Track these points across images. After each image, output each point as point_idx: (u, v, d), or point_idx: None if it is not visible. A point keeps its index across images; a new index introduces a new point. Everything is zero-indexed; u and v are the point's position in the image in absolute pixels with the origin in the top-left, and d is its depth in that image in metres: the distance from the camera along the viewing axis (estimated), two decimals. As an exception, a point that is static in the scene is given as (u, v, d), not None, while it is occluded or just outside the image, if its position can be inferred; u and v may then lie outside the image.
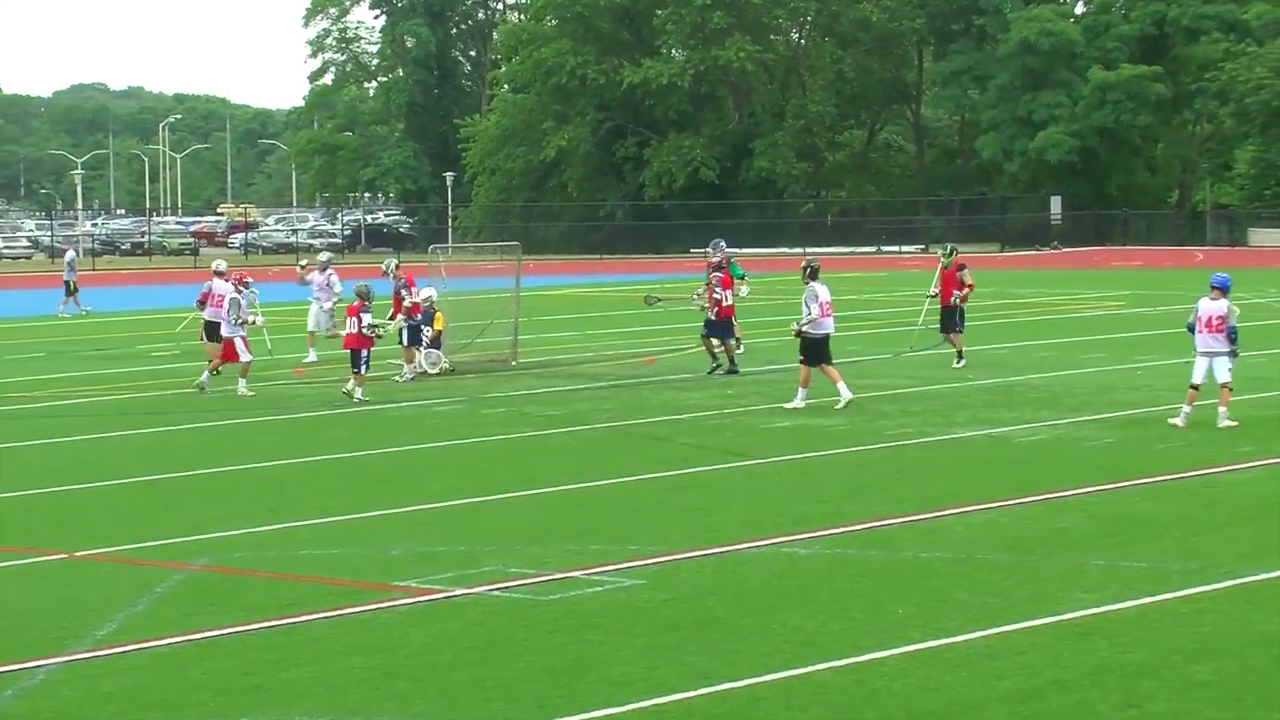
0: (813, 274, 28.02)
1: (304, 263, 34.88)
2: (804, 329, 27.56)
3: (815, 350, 27.60)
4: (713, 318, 32.62)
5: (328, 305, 36.33)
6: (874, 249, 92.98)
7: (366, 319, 29.33)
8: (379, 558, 16.86)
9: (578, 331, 43.31)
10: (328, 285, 36.66)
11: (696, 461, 22.50)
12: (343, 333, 30.31)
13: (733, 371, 32.21)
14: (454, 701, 12.25)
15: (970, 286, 33.41)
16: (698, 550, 16.86)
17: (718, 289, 32.61)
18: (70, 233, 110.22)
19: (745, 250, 63.28)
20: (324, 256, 38.62)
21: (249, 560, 16.89)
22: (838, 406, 26.95)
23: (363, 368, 29.36)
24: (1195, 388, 24.51)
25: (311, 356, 35.96)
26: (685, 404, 28.34)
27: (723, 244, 36.83)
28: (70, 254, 60.68)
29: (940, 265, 33.86)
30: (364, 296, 29.73)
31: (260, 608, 14.86)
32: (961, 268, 33.05)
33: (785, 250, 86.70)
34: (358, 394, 29.32)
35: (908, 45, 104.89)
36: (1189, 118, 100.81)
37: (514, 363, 34.52)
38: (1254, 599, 14.69)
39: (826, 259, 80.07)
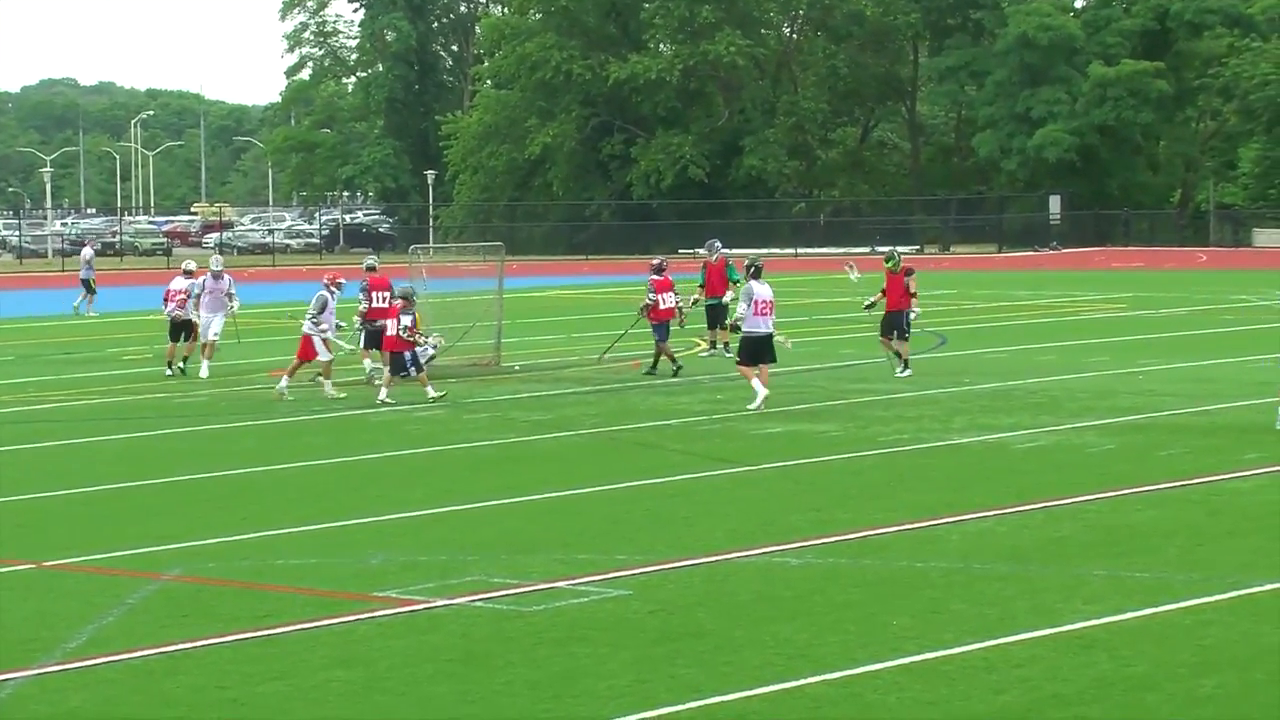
0: (755, 273, 28.09)
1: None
2: (743, 328, 27.58)
3: (756, 349, 27.54)
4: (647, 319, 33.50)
5: (236, 308, 34.97)
6: (868, 249, 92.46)
7: (406, 320, 29.07)
8: (358, 567, 16.63)
9: (563, 334, 43.16)
10: (226, 293, 34.65)
11: (685, 468, 22.26)
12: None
13: (650, 373, 32.67)
14: (435, 716, 12.10)
15: (914, 295, 32.44)
16: (686, 560, 16.65)
17: (651, 293, 33.41)
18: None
19: (735, 251, 62.77)
20: (216, 263, 36.32)
21: (224, 570, 16.64)
22: (750, 406, 27.10)
23: (411, 370, 29.07)
24: None
25: (204, 371, 33.99)
26: (673, 409, 28.13)
27: (718, 244, 36.76)
28: (87, 251, 60.11)
29: (886, 271, 32.87)
30: (406, 298, 29.59)
31: (235, 619, 14.63)
32: (909, 273, 32.52)
33: (777, 251, 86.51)
34: (382, 394, 29.03)
35: (902, 40, 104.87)
36: (1192, 115, 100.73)
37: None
38: (1259, 611, 14.49)
39: (819, 260, 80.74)
